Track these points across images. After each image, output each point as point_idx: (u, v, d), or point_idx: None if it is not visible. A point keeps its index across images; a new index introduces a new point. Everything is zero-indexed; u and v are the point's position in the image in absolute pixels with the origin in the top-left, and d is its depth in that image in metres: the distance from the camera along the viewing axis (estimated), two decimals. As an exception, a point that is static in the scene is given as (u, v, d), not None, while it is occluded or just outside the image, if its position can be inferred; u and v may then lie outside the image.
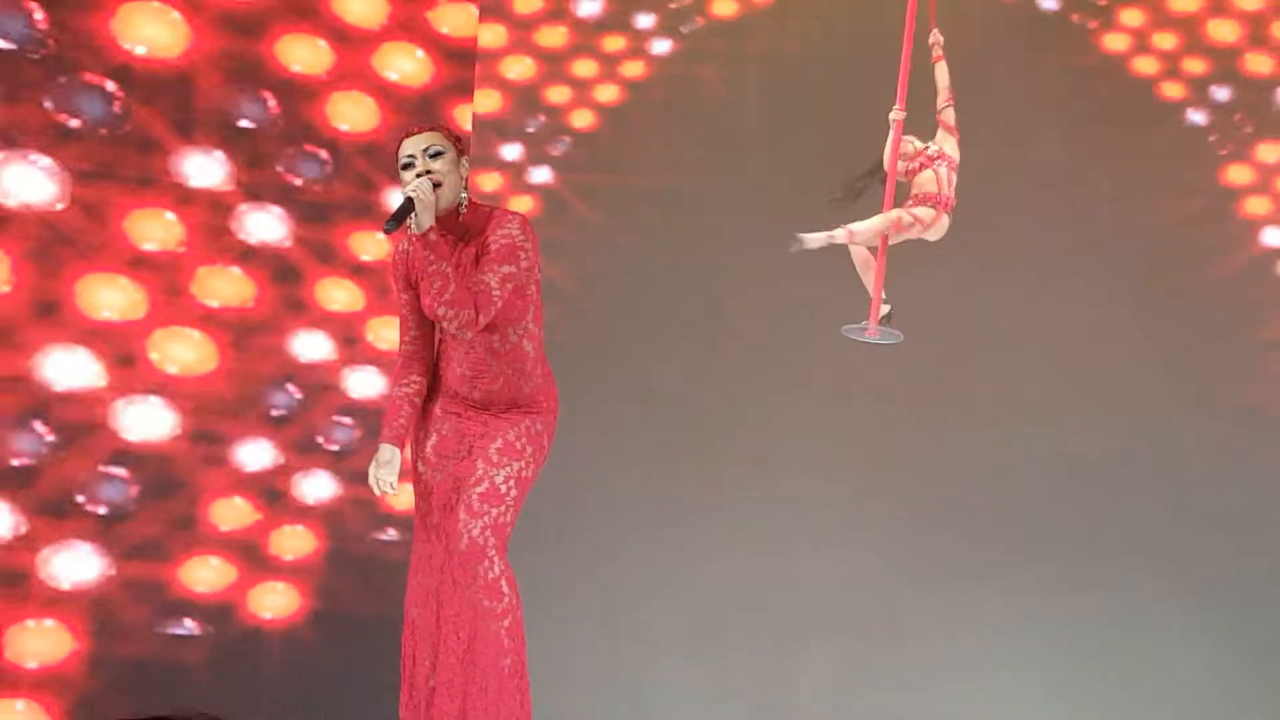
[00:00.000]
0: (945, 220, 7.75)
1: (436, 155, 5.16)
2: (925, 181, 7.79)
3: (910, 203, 7.76)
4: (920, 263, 7.78)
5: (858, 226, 7.66)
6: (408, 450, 5.39)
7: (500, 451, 5.25)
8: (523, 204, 7.99)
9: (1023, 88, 8.10)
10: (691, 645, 7.58)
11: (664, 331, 7.86)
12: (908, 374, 7.87)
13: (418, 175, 5.13)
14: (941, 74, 7.78)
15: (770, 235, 7.76)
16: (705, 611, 7.62)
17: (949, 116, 7.76)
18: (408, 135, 5.23)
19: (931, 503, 7.77)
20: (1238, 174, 8.26)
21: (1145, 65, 8.35)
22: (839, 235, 7.65)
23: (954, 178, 7.76)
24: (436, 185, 5.12)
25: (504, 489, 5.21)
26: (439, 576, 5.24)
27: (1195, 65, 8.34)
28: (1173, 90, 8.31)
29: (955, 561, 7.70)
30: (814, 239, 7.62)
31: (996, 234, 7.96)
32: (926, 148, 7.81)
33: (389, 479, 5.21)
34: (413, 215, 5.04)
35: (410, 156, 5.17)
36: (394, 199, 7.19)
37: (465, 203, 5.23)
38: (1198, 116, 8.28)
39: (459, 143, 5.27)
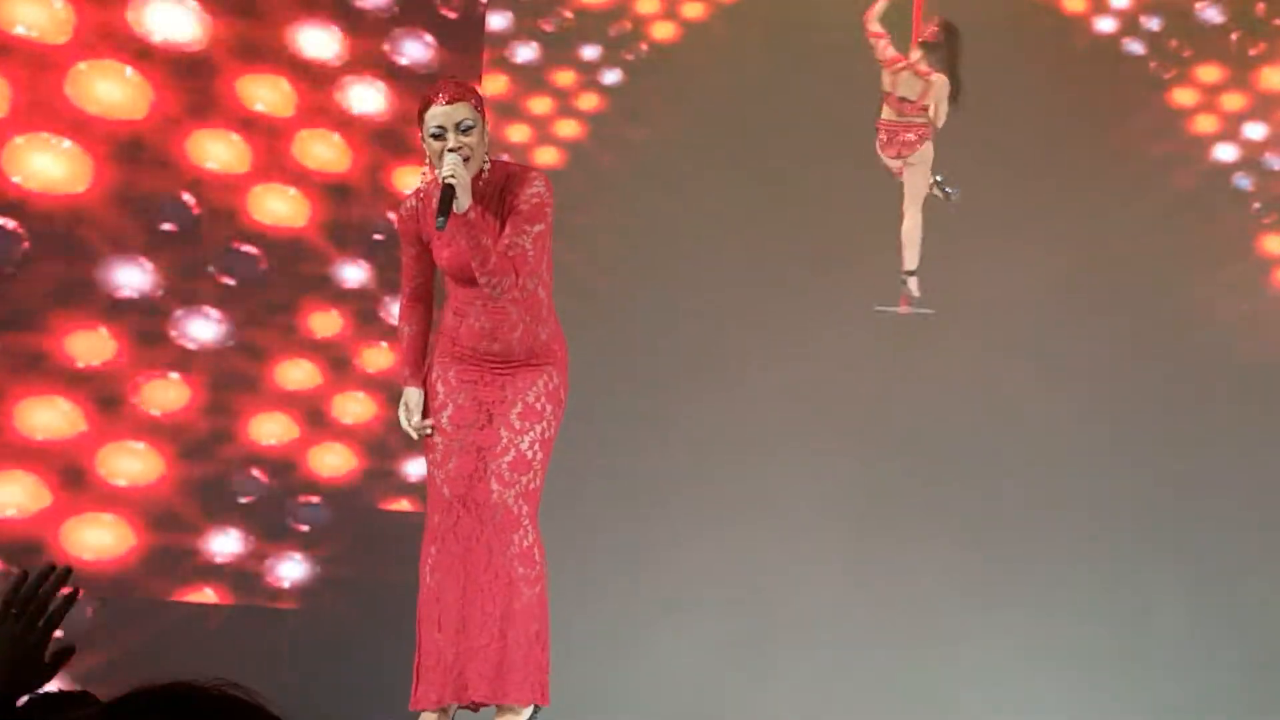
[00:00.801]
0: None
1: (468, 130, 5.11)
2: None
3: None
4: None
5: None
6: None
7: (521, 416, 5.26)
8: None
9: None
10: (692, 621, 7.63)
11: (667, 317, 7.92)
12: (916, 355, 7.92)
13: (449, 148, 5.06)
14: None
15: (780, 212, 7.88)
16: (708, 585, 7.66)
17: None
18: (436, 99, 5.14)
19: (932, 484, 7.80)
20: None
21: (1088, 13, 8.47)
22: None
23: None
24: (465, 159, 5.09)
25: (530, 455, 5.24)
26: (465, 545, 5.25)
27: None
28: (1105, 24, 8.42)
29: (955, 544, 7.72)
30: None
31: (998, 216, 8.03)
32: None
33: (426, 422, 5.28)
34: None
35: (440, 128, 5.10)
36: (407, 180, 7.27)
37: (488, 166, 5.21)
38: (1134, 46, 8.39)
39: (483, 108, 5.21)
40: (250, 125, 7.32)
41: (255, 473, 7.28)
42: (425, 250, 5.36)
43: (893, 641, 7.63)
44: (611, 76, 8.20)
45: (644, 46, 8.23)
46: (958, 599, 7.65)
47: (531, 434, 5.26)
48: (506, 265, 5.11)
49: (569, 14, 8.12)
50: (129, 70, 7.08)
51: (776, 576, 7.63)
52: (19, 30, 6.91)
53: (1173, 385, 7.96)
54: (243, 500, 7.24)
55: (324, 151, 7.46)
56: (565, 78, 8.17)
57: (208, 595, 7.12)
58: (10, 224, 6.92)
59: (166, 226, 7.15)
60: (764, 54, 8.14)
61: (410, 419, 5.33)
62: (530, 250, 5.15)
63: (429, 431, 5.32)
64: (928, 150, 8.04)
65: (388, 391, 7.30)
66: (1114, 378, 7.94)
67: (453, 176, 5.00)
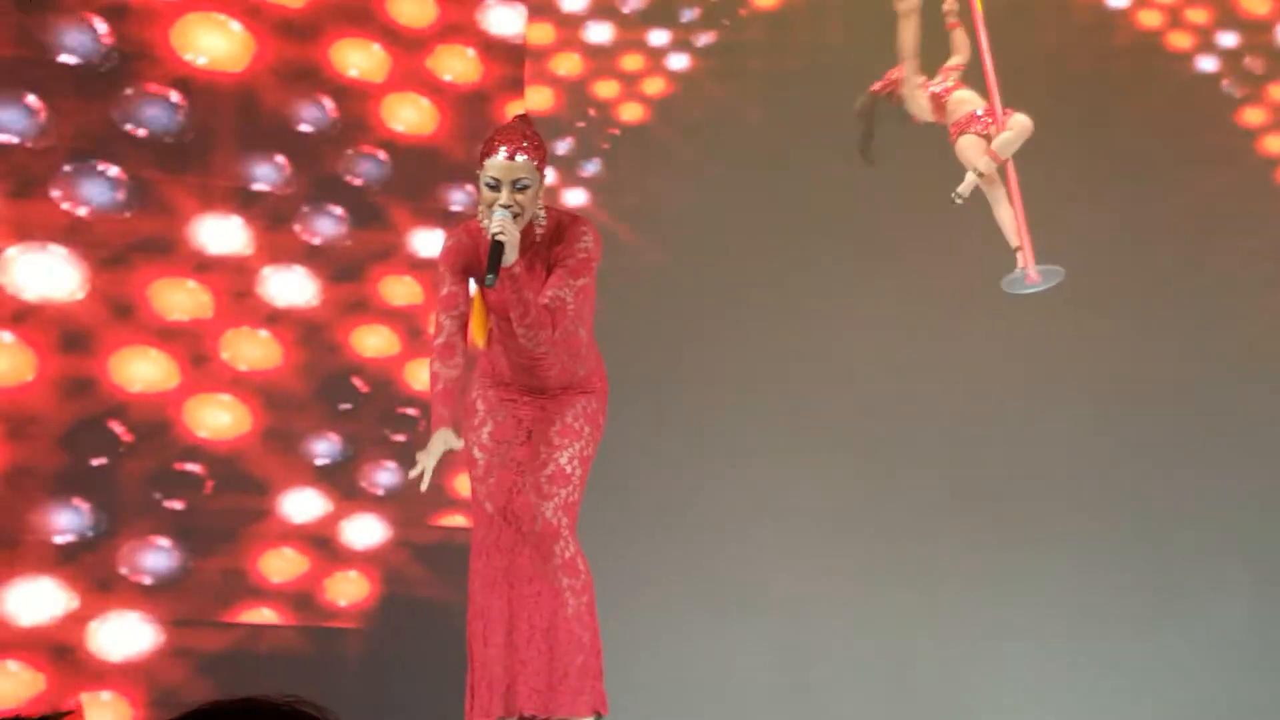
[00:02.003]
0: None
1: (523, 188, 5.08)
2: (967, 100, 7.90)
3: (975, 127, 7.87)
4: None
5: (997, 144, 7.78)
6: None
7: (560, 433, 5.30)
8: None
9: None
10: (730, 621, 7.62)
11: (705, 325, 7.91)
12: (950, 346, 7.87)
13: (501, 204, 5.03)
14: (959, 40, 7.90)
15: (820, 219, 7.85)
16: (738, 584, 7.65)
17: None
18: (496, 149, 5.12)
19: (964, 480, 7.75)
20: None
21: (1150, 18, 8.39)
22: (981, 166, 7.77)
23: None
24: (515, 215, 5.05)
25: (569, 469, 5.28)
26: (508, 558, 5.28)
27: (1200, 16, 8.40)
28: (1180, 40, 8.34)
29: (987, 537, 7.69)
30: (965, 186, 7.78)
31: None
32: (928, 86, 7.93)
33: (457, 442, 5.08)
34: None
35: (495, 179, 5.08)
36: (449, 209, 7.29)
37: (543, 221, 5.22)
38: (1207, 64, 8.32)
39: (543, 162, 5.18)
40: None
41: (311, 490, 7.28)
42: (467, 285, 5.31)
43: (943, 646, 7.61)
44: (679, 61, 8.21)
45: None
46: (1017, 605, 7.64)
47: (570, 450, 5.31)
48: (545, 319, 5.12)
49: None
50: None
51: (824, 581, 7.61)
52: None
53: (1239, 403, 7.91)
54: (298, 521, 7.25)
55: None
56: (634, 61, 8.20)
57: (264, 616, 7.13)
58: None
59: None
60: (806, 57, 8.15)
61: (427, 464, 5.06)
62: (571, 304, 5.17)
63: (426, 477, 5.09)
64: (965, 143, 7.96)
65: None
66: (1171, 389, 7.89)
67: (502, 233, 4.98)
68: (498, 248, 4.98)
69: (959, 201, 7.82)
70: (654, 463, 7.56)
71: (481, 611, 5.32)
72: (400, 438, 7.43)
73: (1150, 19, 8.36)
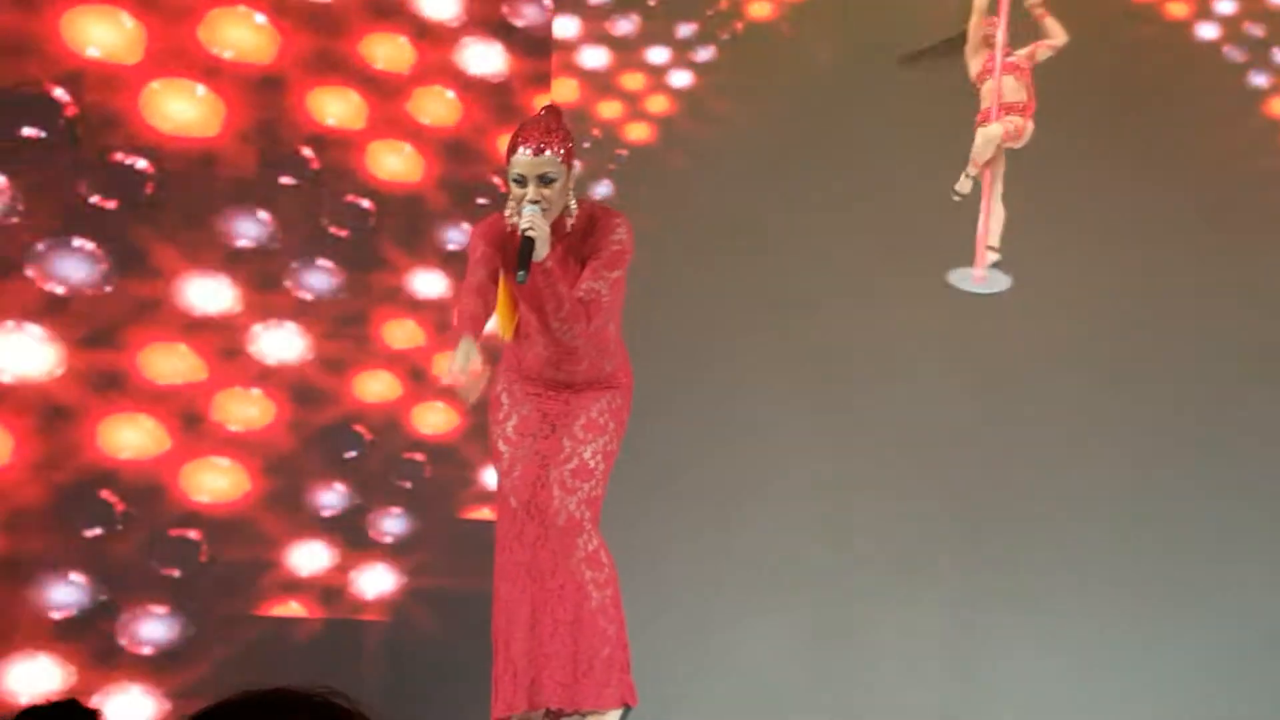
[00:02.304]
0: (1030, 126, 7.72)
1: (550, 182, 5.14)
2: (1011, 90, 7.75)
3: (1001, 112, 7.73)
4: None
5: (976, 150, 7.69)
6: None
7: (585, 428, 5.36)
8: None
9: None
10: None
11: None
12: (1003, 353, 7.73)
13: (529, 200, 5.08)
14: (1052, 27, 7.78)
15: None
16: (767, 572, 7.57)
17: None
18: (520, 145, 5.16)
19: (1004, 462, 7.62)
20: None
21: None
22: (971, 171, 7.69)
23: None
24: (544, 210, 5.10)
25: (592, 464, 5.35)
26: (531, 552, 5.34)
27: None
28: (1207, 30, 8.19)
29: (1028, 517, 7.55)
30: (963, 184, 7.72)
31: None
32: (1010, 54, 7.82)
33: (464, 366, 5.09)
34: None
35: (522, 175, 5.12)
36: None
37: (574, 212, 5.24)
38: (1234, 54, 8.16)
39: (571, 155, 5.22)
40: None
41: (338, 484, 7.11)
42: (493, 277, 5.31)
43: (973, 640, 7.43)
44: (680, 79, 8.03)
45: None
46: (1050, 598, 7.45)
47: (594, 445, 5.38)
48: (580, 312, 5.20)
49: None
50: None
51: (854, 573, 7.46)
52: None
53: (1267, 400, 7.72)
54: (325, 513, 7.07)
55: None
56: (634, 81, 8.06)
57: (293, 609, 6.98)
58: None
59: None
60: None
61: (464, 364, 5.05)
62: (606, 297, 5.25)
63: (468, 390, 5.12)
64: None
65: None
66: (1200, 385, 7.73)
67: (531, 229, 5.04)
68: (528, 244, 5.01)
69: (957, 199, 7.76)
70: (674, 470, 7.41)
71: (505, 606, 5.39)
72: (407, 485, 7.21)
73: (1178, 10, 8.23)
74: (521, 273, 4.97)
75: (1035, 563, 7.49)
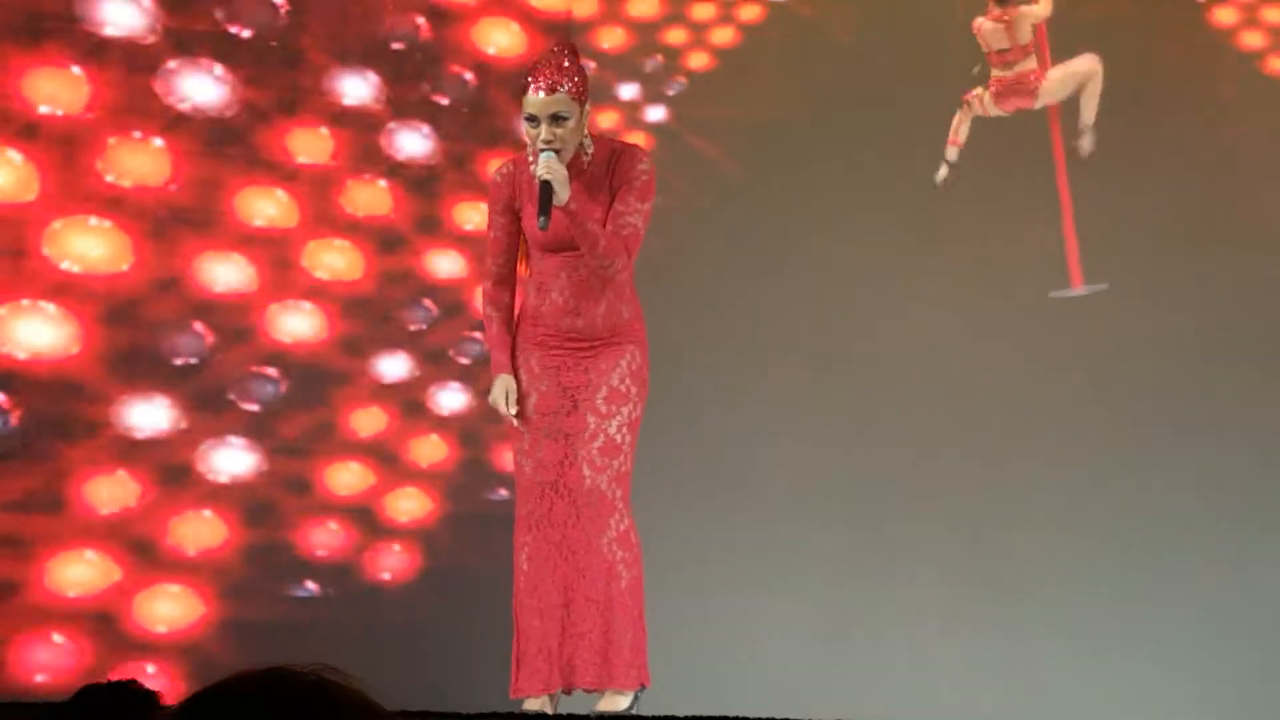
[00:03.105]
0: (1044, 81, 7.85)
1: (562, 120, 5.09)
2: (994, 36, 7.97)
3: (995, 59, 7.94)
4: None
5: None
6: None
7: (607, 400, 5.25)
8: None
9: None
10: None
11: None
12: (993, 328, 7.84)
13: (543, 140, 5.06)
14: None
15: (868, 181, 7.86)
16: (774, 553, 7.66)
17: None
18: (533, 82, 5.11)
19: (1039, 473, 7.71)
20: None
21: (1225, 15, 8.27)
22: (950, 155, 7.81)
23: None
24: (558, 150, 5.08)
25: (619, 439, 5.24)
26: (562, 531, 5.23)
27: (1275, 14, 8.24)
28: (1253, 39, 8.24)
29: (1067, 534, 7.64)
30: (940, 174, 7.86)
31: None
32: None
33: (512, 411, 5.25)
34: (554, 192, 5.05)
35: (534, 115, 5.09)
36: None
37: (590, 148, 5.22)
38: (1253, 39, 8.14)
39: (584, 91, 5.15)
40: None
41: (353, 464, 7.33)
42: (515, 220, 5.33)
43: (988, 628, 7.58)
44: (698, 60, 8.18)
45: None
46: (1065, 590, 7.60)
47: (619, 417, 5.24)
48: (618, 245, 5.16)
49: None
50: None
51: (867, 561, 7.61)
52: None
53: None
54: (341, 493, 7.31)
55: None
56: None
57: (308, 588, 7.19)
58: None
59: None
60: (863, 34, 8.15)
61: (509, 406, 5.25)
62: (642, 229, 5.20)
63: (515, 419, 5.29)
64: (1054, 84, 7.95)
65: (480, 381, 7.38)
66: (1226, 384, 7.77)
67: (549, 173, 5.02)
68: (546, 189, 5.01)
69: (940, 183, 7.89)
70: (690, 428, 7.55)
71: (534, 585, 5.27)
72: (444, 412, 7.47)
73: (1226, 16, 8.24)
74: (543, 219, 4.99)
75: (1038, 558, 7.61)
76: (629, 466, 5.27)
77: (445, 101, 7.58)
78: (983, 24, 7.98)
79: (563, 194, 5.03)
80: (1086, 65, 7.94)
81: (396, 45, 7.50)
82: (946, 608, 7.59)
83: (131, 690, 2.75)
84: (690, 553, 7.36)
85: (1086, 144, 7.92)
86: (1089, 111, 7.92)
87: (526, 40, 7.70)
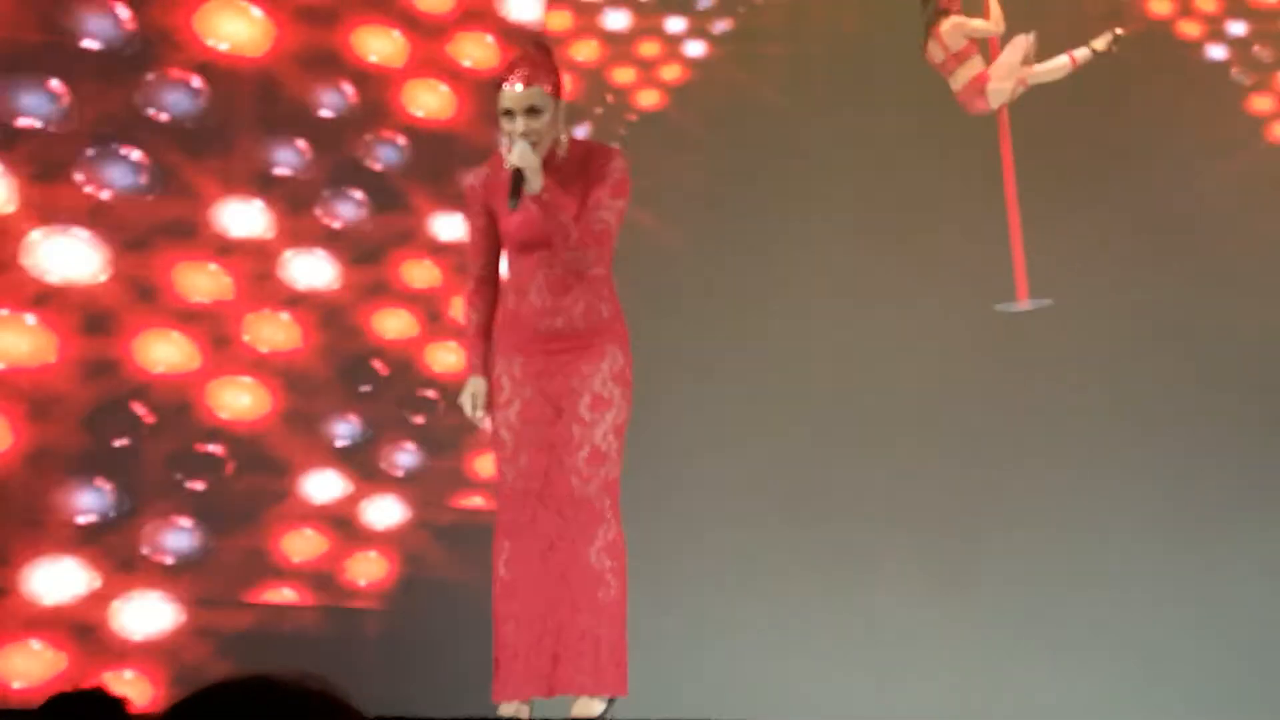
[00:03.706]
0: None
1: (535, 113, 5.14)
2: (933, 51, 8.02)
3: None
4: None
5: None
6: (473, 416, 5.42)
7: (591, 407, 5.23)
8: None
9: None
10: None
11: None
12: (971, 328, 7.89)
13: (520, 133, 5.11)
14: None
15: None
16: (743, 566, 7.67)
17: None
18: (510, 77, 5.18)
19: (1019, 478, 7.76)
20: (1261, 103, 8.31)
21: (1160, 6, 8.38)
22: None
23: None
24: (534, 143, 5.13)
25: (604, 446, 5.22)
26: (548, 540, 5.21)
27: (1209, 4, 8.39)
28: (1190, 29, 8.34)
29: (1043, 537, 7.69)
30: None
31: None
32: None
33: (481, 414, 5.31)
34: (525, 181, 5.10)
35: (509, 109, 5.15)
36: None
37: (565, 145, 5.24)
38: (1217, 52, 8.31)
39: (559, 88, 5.22)
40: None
41: (331, 471, 7.35)
42: (493, 222, 5.36)
43: (959, 629, 7.57)
44: (695, 48, 8.25)
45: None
46: (1030, 590, 7.63)
47: (603, 424, 5.24)
48: (589, 239, 5.18)
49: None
50: None
51: (848, 567, 7.62)
52: None
53: (1252, 399, 7.87)
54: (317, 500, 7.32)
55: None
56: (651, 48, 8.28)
57: (286, 595, 7.20)
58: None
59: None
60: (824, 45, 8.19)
61: (475, 409, 5.33)
62: (613, 224, 5.22)
63: (485, 424, 5.33)
64: (996, 82, 7.98)
65: (452, 394, 7.39)
66: (1186, 382, 7.85)
67: (521, 160, 5.07)
68: (518, 175, 5.06)
69: None
70: (652, 429, 7.55)
71: (512, 592, 5.25)
72: (419, 420, 7.49)
73: (1161, 7, 8.34)
74: (513, 200, 5.06)
75: (1008, 558, 7.64)
76: (616, 473, 5.25)
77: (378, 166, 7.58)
78: (928, 45, 8.03)
79: (535, 182, 5.07)
80: (1013, 55, 7.95)
81: (325, 113, 7.49)
82: (916, 609, 7.59)
83: (99, 698, 2.77)
84: (658, 554, 7.36)
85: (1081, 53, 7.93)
86: (1053, 71, 7.96)
87: (455, 101, 7.71)
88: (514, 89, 5.14)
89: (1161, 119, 8.16)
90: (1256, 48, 8.35)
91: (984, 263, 7.97)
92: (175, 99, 7.20)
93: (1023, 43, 7.92)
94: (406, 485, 7.43)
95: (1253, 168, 8.22)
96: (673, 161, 8.08)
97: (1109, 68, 8.12)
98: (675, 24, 8.27)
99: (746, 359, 7.84)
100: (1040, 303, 7.76)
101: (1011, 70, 7.93)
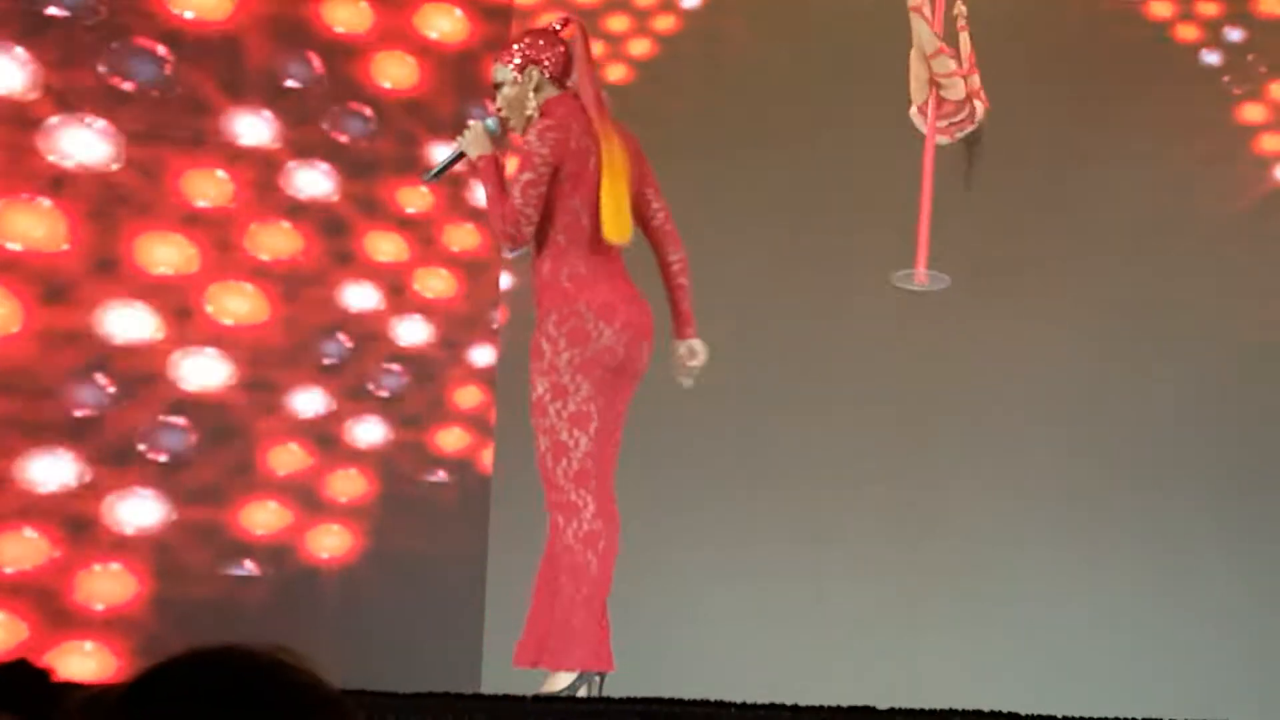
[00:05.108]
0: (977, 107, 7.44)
1: (498, 88, 5.16)
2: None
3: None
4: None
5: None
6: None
7: (530, 411, 5.11)
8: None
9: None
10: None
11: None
12: (950, 311, 7.83)
13: (495, 109, 5.17)
14: (964, 44, 7.65)
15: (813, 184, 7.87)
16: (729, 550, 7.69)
17: (974, 83, 7.56)
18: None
19: (997, 459, 7.82)
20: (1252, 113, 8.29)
21: (1161, 9, 8.38)
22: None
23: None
24: (505, 119, 5.15)
25: (544, 444, 5.06)
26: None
27: (1209, 8, 8.36)
28: (1187, 32, 8.35)
29: (1027, 520, 7.76)
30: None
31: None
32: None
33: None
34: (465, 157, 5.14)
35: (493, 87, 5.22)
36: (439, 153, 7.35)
37: (536, 117, 5.11)
38: (1212, 58, 8.32)
39: (526, 63, 5.10)
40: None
41: (293, 444, 7.35)
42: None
43: (937, 612, 7.66)
44: (640, 47, 8.24)
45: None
46: (1033, 576, 7.70)
47: (540, 435, 5.06)
48: (497, 225, 5.05)
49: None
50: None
51: (829, 549, 7.65)
52: None
53: (1242, 403, 7.92)
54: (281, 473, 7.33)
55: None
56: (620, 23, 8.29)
57: (246, 568, 7.20)
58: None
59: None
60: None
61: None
62: (519, 200, 4.96)
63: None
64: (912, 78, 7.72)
65: (418, 368, 7.47)
66: (1170, 387, 7.88)
67: (461, 135, 5.17)
68: (457, 157, 5.17)
69: None
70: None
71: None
72: (384, 394, 7.47)
73: (1161, 10, 8.33)
74: (429, 173, 5.27)
75: (989, 544, 7.69)
76: (557, 477, 5.02)
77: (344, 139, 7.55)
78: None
79: (473, 152, 5.10)
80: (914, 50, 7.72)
81: (291, 83, 7.46)
82: (893, 591, 7.65)
83: (22, 670, 2.71)
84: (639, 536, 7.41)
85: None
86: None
87: (419, 72, 7.69)
88: (493, 67, 5.25)
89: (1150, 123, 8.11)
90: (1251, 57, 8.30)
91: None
92: (141, 68, 7.15)
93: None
94: (370, 458, 7.44)
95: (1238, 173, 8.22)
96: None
97: (1103, 68, 8.12)
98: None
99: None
100: (940, 281, 7.67)
101: (917, 63, 7.62)
